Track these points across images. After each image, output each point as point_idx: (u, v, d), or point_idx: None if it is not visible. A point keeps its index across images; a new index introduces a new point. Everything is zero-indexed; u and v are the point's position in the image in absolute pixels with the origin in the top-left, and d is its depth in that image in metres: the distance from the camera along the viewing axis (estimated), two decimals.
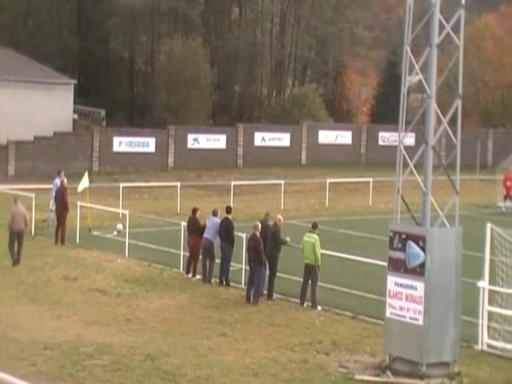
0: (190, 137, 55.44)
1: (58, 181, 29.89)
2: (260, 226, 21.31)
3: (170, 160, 54.37)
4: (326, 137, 60.72)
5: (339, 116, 69.22)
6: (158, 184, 41.58)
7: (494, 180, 43.74)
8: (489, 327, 17.35)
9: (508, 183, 39.98)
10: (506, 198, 39.76)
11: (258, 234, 21.05)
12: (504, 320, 17.28)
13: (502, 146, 55.06)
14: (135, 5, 61.49)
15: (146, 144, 53.59)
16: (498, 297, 17.50)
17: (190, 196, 38.76)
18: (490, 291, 17.50)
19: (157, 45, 63.46)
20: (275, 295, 21.15)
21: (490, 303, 17.45)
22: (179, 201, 35.63)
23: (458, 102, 15.58)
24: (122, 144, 52.66)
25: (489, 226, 17.52)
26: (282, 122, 61.23)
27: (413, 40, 15.75)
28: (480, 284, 17.45)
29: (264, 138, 58.36)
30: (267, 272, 21.02)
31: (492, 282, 17.60)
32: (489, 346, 17.26)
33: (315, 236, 20.70)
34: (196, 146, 55.55)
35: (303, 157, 59.51)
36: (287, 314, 19.73)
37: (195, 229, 23.45)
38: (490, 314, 17.43)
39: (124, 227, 28.10)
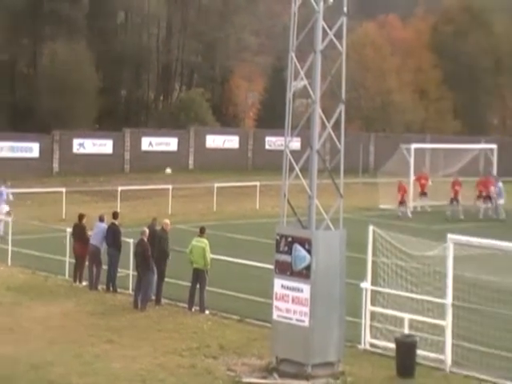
0: (76, 142, 54.66)
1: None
2: (147, 231, 21.21)
3: (55, 165, 53.44)
4: (214, 141, 60.94)
5: (226, 121, 69.53)
6: (42, 190, 40.80)
7: (375, 183, 44.79)
8: (371, 327, 17.77)
9: (457, 187, 40.79)
10: (401, 203, 40.20)
11: (146, 240, 20.95)
12: (385, 319, 17.74)
13: (383, 150, 56.41)
14: (15, 5, 59.96)
15: (29, 149, 52.51)
16: (380, 297, 17.95)
17: (75, 202, 38.20)
18: (373, 292, 17.94)
19: (39, 47, 62.19)
20: (163, 300, 21.08)
21: (372, 303, 17.88)
22: (64, 207, 35.08)
23: (342, 107, 15.91)
24: (3, 149, 51.45)
25: (371, 228, 17.96)
26: (169, 126, 61.08)
27: (298, 46, 16.01)
28: (363, 285, 17.86)
29: (151, 143, 58.09)
30: (155, 277, 20.94)
31: (374, 282, 18.04)
32: (371, 345, 17.68)
33: (205, 240, 20.75)
34: (82, 150, 54.80)
35: (191, 161, 59.53)
36: (175, 319, 19.70)
37: (81, 235, 23.17)
38: (373, 313, 17.87)
39: (6, 234, 27.47)
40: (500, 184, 40.71)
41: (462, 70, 70.77)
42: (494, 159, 47.11)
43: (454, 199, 40.51)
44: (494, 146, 47.87)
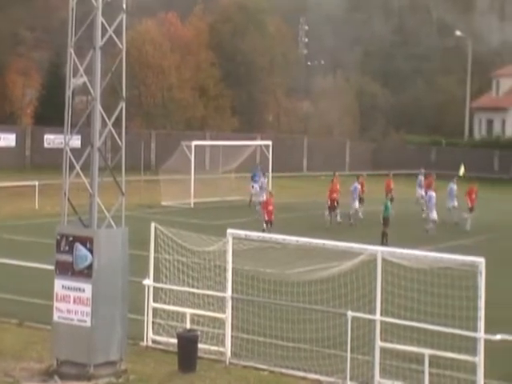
0: None
1: None
2: None
3: None
4: None
5: (2, 118, 67.13)
6: None
7: (157, 180, 44.98)
8: (154, 323, 17.87)
9: (392, 186, 41.03)
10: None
11: None
12: (167, 315, 17.90)
13: (165, 147, 56.75)
14: None
15: None
16: (162, 293, 18.09)
17: None
18: (155, 288, 18.04)
19: None
20: None
21: (155, 300, 17.98)
22: None
23: (122, 105, 15.86)
24: None
25: (153, 225, 18.05)
26: None
27: (76, 42, 15.78)
28: (145, 282, 17.91)
29: None
30: None
31: (157, 279, 18.14)
32: (154, 341, 17.76)
33: None
34: None
35: None
36: None
37: None
38: (155, 310, 17.97)
39: None
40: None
41: (239, 68, 72.45)
42: (270, 155, 48.61)
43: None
44: (269, 143, 49.38)
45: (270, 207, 32.68)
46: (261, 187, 41.76)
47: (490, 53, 77.95)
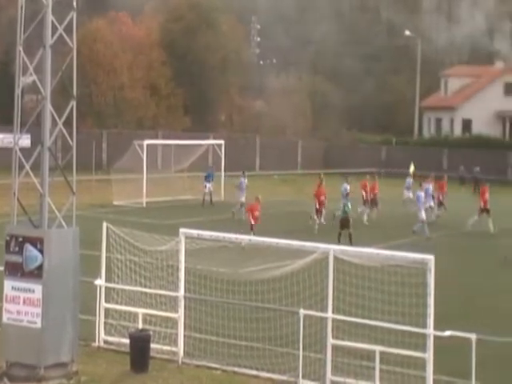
0: None
1: None
2: None
3: None
4: None
5: None
6: None
7: (109, 180, 44.72)
8: (105, 324, 17.77)
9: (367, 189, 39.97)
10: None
11: None
12: (119, 316, 17.81)
13: (116, 147, 56.43)
14: None
15: None
16: (114, 293, 18.00)
17: None
18: (107, 288, 17.94)
19: None
20: None
21: (106, 300, 17.88)
22: None
23: (73, 104, 15.74)
24: None
25: (105, 224, 17.95)
26: None
27: (26, 40, 15.62)
28: (97, 282, 17.80)
29: None
30: None
31: (109, 279, 18.05)
32: (106, 342, 17.67)
33: None
34: None
35: None
36: None
37: None
38: (107, 310, 17.87)
39: None
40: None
41: (191, 67, 72.31)
42: (222, 154, 48.65)
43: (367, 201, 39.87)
44: (221, 142, 49.40)
45: (257, 213, 30.92)
46: (240, 187, 40.17)
47: (438, 53, 78.89)
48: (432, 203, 38.53)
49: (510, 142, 71.95)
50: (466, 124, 76.86)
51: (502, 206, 42.26)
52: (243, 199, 39.03)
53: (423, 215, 35.16)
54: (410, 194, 42.75)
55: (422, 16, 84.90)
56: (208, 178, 44.71)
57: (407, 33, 79.04)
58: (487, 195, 37.26)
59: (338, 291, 16.05)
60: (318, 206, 36.04)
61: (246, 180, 41.32)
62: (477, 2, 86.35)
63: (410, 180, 44.88)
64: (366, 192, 40.10)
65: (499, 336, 16.98)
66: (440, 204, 40.37)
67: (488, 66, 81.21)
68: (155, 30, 73.52)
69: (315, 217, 35.74)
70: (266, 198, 46.64)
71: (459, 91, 79.18)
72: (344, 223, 31.87)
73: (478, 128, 74.34)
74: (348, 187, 37.69)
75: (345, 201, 33.48)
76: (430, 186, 38.99)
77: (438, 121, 80.00)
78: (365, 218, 38.59)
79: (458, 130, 76.60)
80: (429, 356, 14.61)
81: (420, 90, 76.57)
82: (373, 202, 39.97)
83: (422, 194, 36.19)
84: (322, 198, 36.49)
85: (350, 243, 29.58)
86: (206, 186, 44.42)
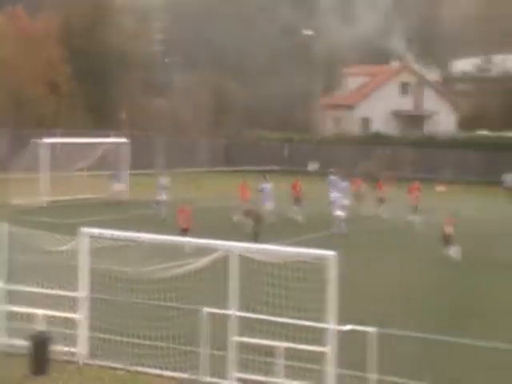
0: None
1: None
2: None
3: None
4: None
5: None
6: None
7: (7, 179, 43.75)
8: (5, 326, 17.42)
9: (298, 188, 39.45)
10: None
11: None
12: (20, 317, 17.47)
13: (15, 145, 55.20)
14: None
15: None
16: (15, 295, 17.65)
17: None
18: (9, 290, 17.58)
19: None
20: None
21: (8, 302, 17.52)
22: None
23: None
24: None
25: (4, 224, 17.57)
26: None
27: None
28: None
29: None
30: None
31: (10, 281, 17.67)
32: (6, 345, 17.30)
33: None
34: None
35: None
36: None
37: None
38: (10, 313, 17.52)
39: None
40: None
41: (92, 65, 71.42)
42: (126, 153, 48.29)
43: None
44: (124, 140, 49.04)
45: (184, 215, 29.98)
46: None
47: (338, 52, 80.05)
48: (346, 201, 38.41)
49: (407, 139, 73.74)
50: (365, 122, 78.30)
51: (396, 201, 43.27)
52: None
53: (339, 213, 35.61)
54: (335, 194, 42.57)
55: (321, 15, 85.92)
56: (116, 179, 44.56)
57: (306, 32, 79.89)
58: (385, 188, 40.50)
59: (242, 288, 16.13)
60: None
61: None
62: (373, 1, 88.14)
63: (332, 178, 44.59)
64: (296, 191, 40.15)
65: (399, 330, 17.36)
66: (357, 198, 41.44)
67: (385, 65, 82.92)
68: (55, 27, 72.30)
69: (238, 217, 35.70)
70: (169, 196, 46.69)
71: (358, 90, 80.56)
72: (256, 219, 32.07)
73: (375, 126, 75.82)
74: (268, 186, 37.82)
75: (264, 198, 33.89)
76: (345, 184, 39.80)
77: (338, 119, 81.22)
78: (299, 217, 38.63)
79: (357, 128, 77.96)
80: (331, 350, 14.84)
81: (320, 88, 77.56)
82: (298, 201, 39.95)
83: (338, 194, 36.74)
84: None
85: (255, 240, 29.75)
86: (113, 186, 44.21)
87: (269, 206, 36.76)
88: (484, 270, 28.57)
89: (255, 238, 30.77)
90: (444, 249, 30.04)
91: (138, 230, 18.15)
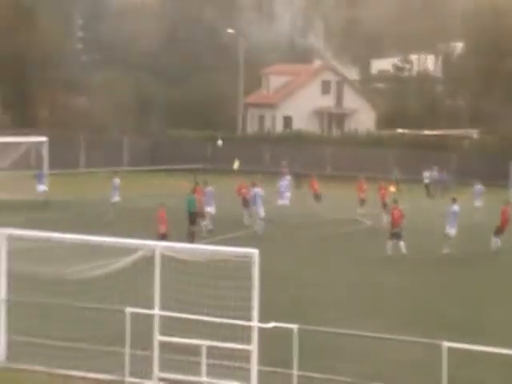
0: None
1: None
2: None
3: None
4: None
5: None
6: None
7: None
8: None
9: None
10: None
11: None
12: None
13: None
14: None
15: None
16: None
17: None
18: None
19: None
20: None
21: None
22: None
23: None
24: None
25: None
26: None
27: None
28: None
29: None
30: None
31: None
32: None
33: None
34: None
35: None
36: None
37: None
38: None
39: None
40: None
41: (11, 63, 70.25)
42: (45, 152, 47.57)
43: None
44: (44, 139, 48.30)
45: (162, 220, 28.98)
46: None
47: (260, 51, 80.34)
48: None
49: (328, 137, 74.47)
50: (287, 120, 78.81)
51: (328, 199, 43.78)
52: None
53: (262, 212, 35.24)
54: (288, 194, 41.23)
55: (242, 14, 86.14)
56: (40, 180, 44.03)
57: (229, 31, 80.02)
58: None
59: (166, 288, 16.12)
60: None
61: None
62: (294, 1, 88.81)
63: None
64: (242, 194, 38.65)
65: (321, 326, 17.59)
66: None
67: (307, 65, 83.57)
68: None
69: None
70: (92, 196, 46.28)
71: (280, 89, 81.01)
72: (192, 219, 31.70)
73: (297, 124, 76.38)
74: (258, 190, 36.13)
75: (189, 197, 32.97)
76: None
77: (261, 117, 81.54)
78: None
79: (279, 127, 78.37)
80: (253, 348, 14.96)
81: (243, 88, 77.76)
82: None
83: (259, 190, 36.02)
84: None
85: (192, 240, 29.42)
86: (39, 188, 43.65)
87: (210, 209, 35.40)
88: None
89: (191, 238, 30.36)
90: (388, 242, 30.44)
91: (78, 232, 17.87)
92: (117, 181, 40.01)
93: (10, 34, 70.59)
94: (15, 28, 71.13)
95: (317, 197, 42.90)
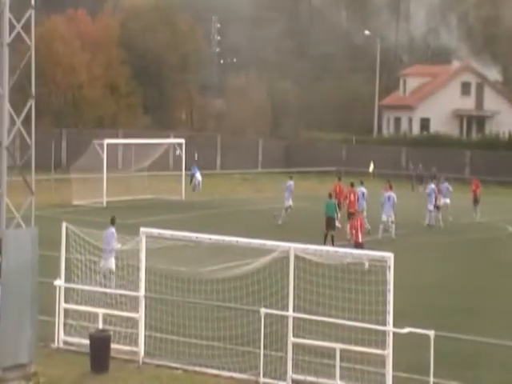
0: None
1: None
2: None
3: None
4: None
5: None
6: None
7: (69, 179, 44.35)
8: (65, 324, 17.64)
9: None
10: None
11: None
12: (79, 316, 17.69)
13: (76, 146, 56.02)
14: None
15: None
16: (74, 293, 17.87)
17: None
18: (67, 289, 17.81)
19: None
20: None
21: (66, 300, 17.75)
22: None
23: (32, 102, 15.61)
24: None
25: (64, 224, 17.81)
26: None
27: None
28: (56, 282, 17.65)
29: None
30: None
31: (68, 279, 17.91)
32: (65, 342, 17.53)
33: None
34: None
35: None
36: None
37: None
38: (67, 311, 17.74)
39: None
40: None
41: (150, 66, 72.10)
42: (183, 153, 48.66)
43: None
44: (182, 141, 49.38)
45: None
46: (288, 190, 38.05)
47: (397, 53, 79.43)
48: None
49: (467, 140, 72.68)
50: (424, 123, 77.50)
51: (460, 203, 42.75)
52: (290, 202, 37.88)
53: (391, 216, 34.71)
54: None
55: (381, 16, 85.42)
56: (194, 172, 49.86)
57: (366, 32, 79.50)
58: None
59: (299, 289, 16.09)
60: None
61: (293, 182, 39.24)
62: (432, 2, 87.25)
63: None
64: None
65: (457, 333, 17.14)
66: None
67: (445, 66, 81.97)
68: (113, 29, 73.11)
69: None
70: (226, 197, 46.92)
71: (417, 90, 79.79)
72: (329, 223, 31.34)
73: (435, 127, 74.98)
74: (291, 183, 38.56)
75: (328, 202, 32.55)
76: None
77: (397, 120, 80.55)
78: None
79: (416, 129, 77.20)
80: (388, 353, 14.72)
81: (379, 89, 77.04)
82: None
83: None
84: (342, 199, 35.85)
85: (332, 244, 29.38)
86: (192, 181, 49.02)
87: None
88: None
89: (329, 243, 30.01)
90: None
91: (196, 231, 18.14)
92: (290, 183, 38.84)
93: (150, 36, 72.44)
94: (154, 30, 72.94)
95: (476, 200, 42.02)
